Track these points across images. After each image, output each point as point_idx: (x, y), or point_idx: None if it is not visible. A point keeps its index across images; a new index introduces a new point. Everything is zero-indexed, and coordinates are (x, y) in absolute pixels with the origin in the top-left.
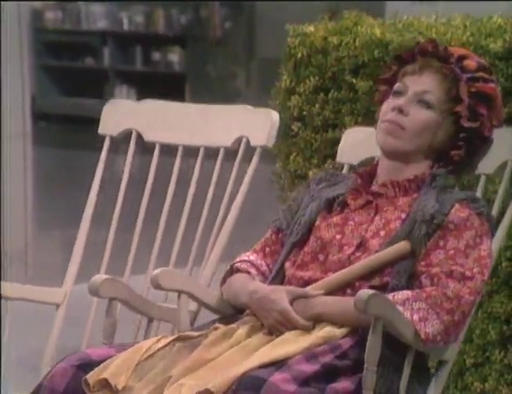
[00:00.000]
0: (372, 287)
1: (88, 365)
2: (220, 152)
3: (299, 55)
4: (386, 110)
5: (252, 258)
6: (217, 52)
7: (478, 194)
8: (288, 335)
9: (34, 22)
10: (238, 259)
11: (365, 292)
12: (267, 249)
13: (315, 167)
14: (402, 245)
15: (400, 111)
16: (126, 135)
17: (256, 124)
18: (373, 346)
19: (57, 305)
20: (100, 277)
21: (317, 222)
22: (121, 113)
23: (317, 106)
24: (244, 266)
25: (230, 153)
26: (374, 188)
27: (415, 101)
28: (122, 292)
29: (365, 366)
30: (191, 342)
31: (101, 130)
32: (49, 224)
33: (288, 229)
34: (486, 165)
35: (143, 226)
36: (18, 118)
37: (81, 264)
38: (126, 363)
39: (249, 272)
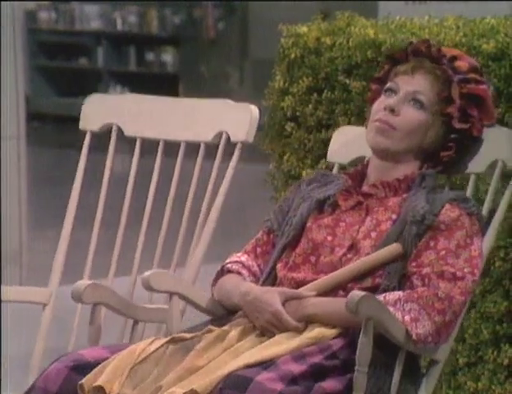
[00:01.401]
0: (363, 289)
1: (82, 367)
2: (201, 147)
3: (293, 55)
4: (378, 109)
5: (243, 258)
6: (211, 53)
7: (469, 193)
8: (278, 337)
9: (27, 23)
10: (229, 260)
11: (356, 294)
12: (258, 250)
13: (308, 167)
14: (394, 247)
15: (392, 110)
16: (107, 131)
17: (236, 119)
18: (364, 347)
19: (44, 305)
20: (83, 283)
21: (309, 224)
22: (101, 108)
23: (310, 106)
24: (235, 267)
25: (213, 150)
26: (364, 188)
27: (407, 101)
28: (106, 297)
29: (356, 367)
30: (184, 345)
31: (81, 125)
32: (44, 224)
33: (279, 230)
34: (477, 164)
35: (126, 224)
36: (12, 118)
37: (72, 265)
38: (120, 367)
39: (240, 273)
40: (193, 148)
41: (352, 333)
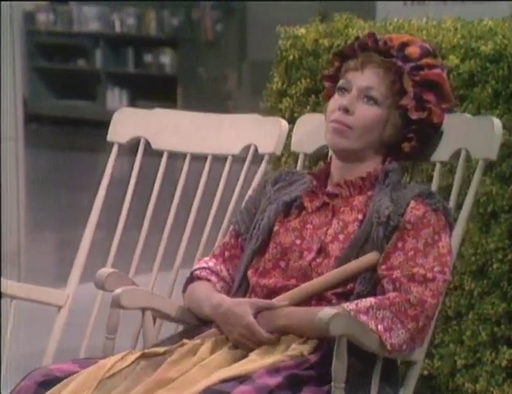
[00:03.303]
0: (335, 294)
1: (51, 382)
2: (228, 159)
3: (291, 57)
4: (332, 109)
5: (211, 264)
6: (209, 54)
7: (435, 181)
8: (253, 355)
9: (26, 24)
10: (197, 266)
11: (326, 313)
12: (227, 254)
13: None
14: (372, 256)
15: (346, 110)
16: (135, 143)
17: (265, 132)
18: (339, 364)
19: (59, 307)
20: (106, 270)
21: (276, 227)
22: (130, 121)
23: (308, 108)
24: (203, 273)
25: (238, 160)
26: (329, 188)
27: (360, 98)
28: (127, 286)
29: (333, 383)
30: (156, 360)
31: (109, 137)
32: (42, 226)
33: (247, 233)
34: (441, 152)
35: (148, 230)
36: (10, 120)
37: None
38: (88, 381)
39: (209, 280)
40: (216, 157)
41: (327, 345)
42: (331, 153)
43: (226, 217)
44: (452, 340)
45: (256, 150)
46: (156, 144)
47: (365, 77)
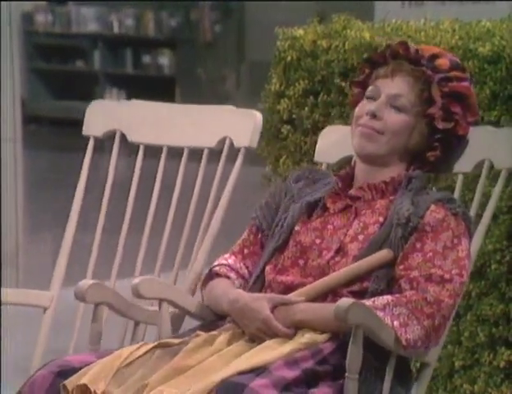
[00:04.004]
0: (351, 292)
1: (68, 372)
2: (204, 153)
3: (289, 58)
4: (360, 114)
5: (230, 261)
6: (207, 55)
7: (457, 192)
8: (269, 342)
9: (24, 25)
10: (216, 263)
11: (345, 301)
12: (246, 251)
13: None
14: (384, 253)
15: (374, 115)
16: (111, 136)
17: (240, 125)
18: (354, 355)
19: (45, 309)
20: (86, 282)
21: (297, 227)
22: (105, 114)
23: (306, 109)
24: (223, 270)
25: (215, 155)
26: (352, 191)
27: (388, 105)
28: (108, 297)
29: (346, 374)
30: (171, 350)
31: (85, 131)
32: (40, 227)
33: (269, 229)
34: (464, 164)
35: (129, 228)
36: (9, 121)
37: (69, 268)
38: (105, 369)
39: (228, 277)
40: (194, 151)
41: (342, 337)
42: (354, 157)
43: (206, 212)
44: (450, 341)
45: (232, 143)
46: (131, 137)
47: (395, 85)
